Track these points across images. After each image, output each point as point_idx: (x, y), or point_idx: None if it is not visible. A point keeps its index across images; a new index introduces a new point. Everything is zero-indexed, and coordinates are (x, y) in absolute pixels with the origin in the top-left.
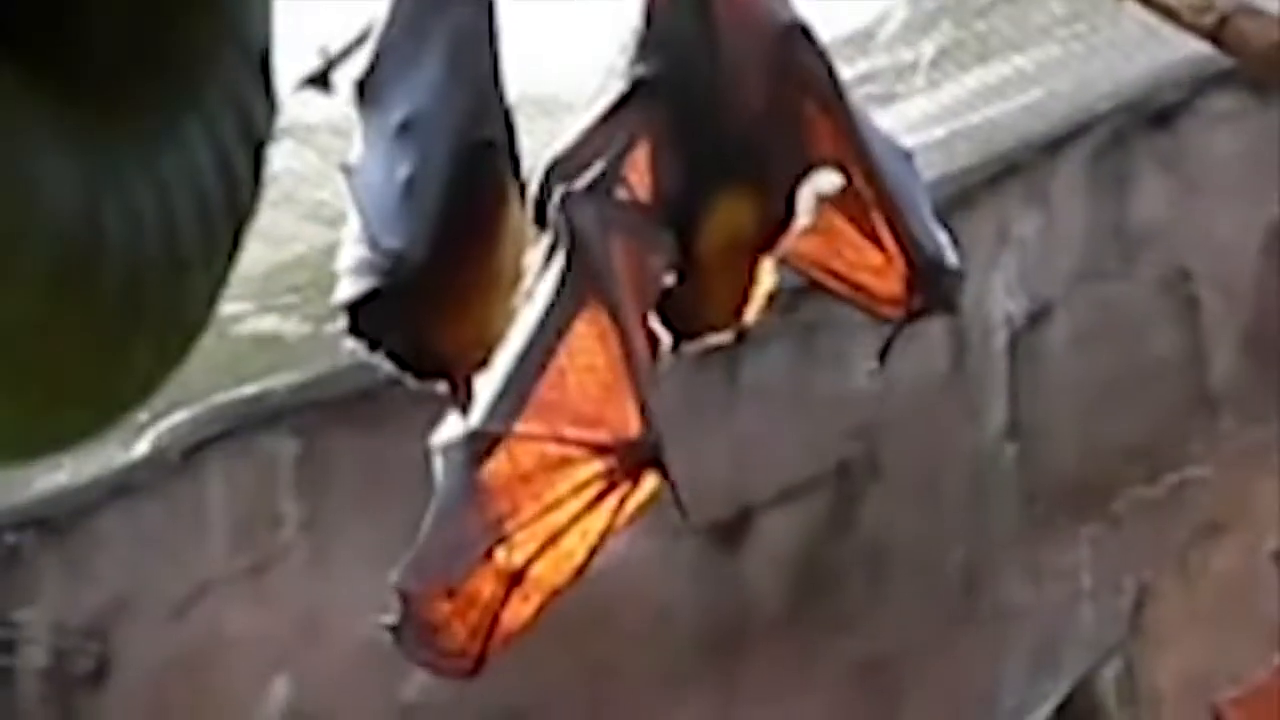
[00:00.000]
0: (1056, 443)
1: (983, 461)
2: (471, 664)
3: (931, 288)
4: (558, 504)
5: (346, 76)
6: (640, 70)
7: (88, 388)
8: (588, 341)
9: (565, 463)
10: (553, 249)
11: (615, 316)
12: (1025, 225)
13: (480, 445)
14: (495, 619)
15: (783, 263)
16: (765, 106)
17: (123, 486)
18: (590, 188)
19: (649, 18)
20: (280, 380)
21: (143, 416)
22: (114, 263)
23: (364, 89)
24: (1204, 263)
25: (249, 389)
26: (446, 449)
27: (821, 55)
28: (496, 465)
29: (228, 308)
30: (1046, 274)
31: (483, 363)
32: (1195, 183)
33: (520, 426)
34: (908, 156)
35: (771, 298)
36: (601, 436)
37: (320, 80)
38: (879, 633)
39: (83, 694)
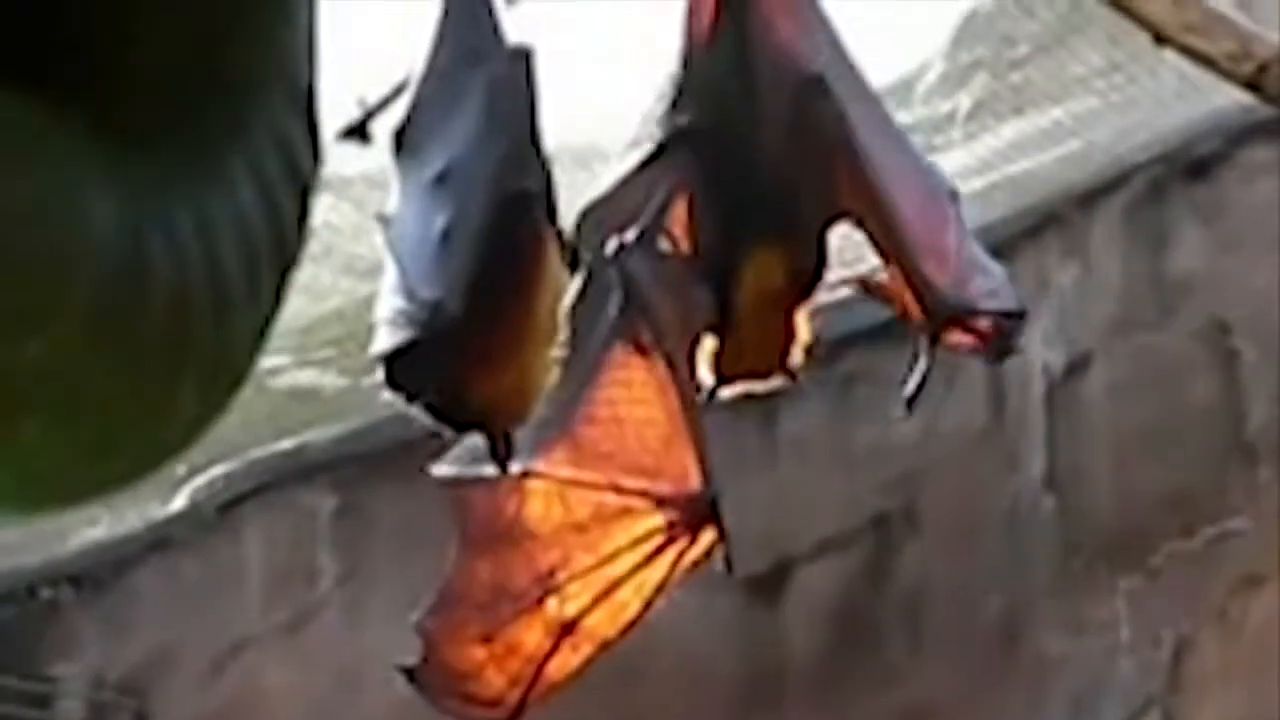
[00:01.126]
0: (1095, 494)
1: (1021, 513)
2: (509, 713)
3: (947, 331)
4: (614, 556)
5: (384, 128)
6: (678, 121)
7: (132, 430)
8: (646, 393)
9: (624, 514)
10: (584, 294)
11: (674, 369)
12: (1063, 276)
13: (509, 486)
14: (540, 669)
15: (871, 294)
16: (792, 157)
17: (160, 541)
18: (639, 240)
19: (686, 66)
20: (318, 434)
21: (180, 471)
22: (159, 302)
23: (401, 140)
24: (1242, 314)
25: (286, 443)
26: (468, 485)
27: (837, 105)
28: (548, 512)
29: (265, 361)
30: (1084, 325)
31: (520, 413)
32: (1233, 234)
33: (577, 474)
34: (953, 196)
35: (809, 350)
36: (662, 488)
37: (359, 131)
38: (918, 685)
39: None
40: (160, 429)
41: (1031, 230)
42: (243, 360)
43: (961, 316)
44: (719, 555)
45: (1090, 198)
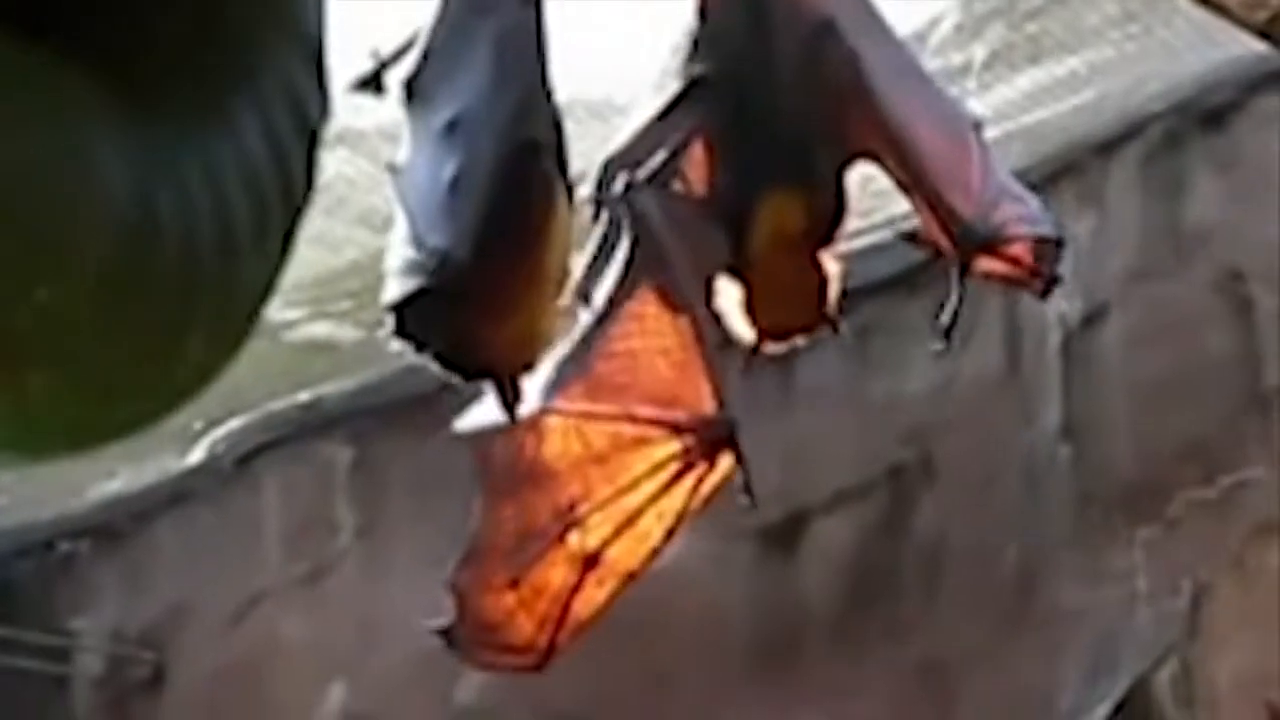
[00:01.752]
0: (1111, 444)
1: (1037, 463)
2: (539, 658)
3: (977, 260)
4: (634, 485)
5: (398, 79)
6: (694, 70)
7: (144, 377)
8: (660, 324)
9: (641, 442)
10: (605, 240)
11: (685, 300)
12: (1079, 226)
13: (526, 428)
14: (566, 607)
15: (908, 242)
16: (806, 101)
17: (178, 494)
18: (650, 179)
19: (703, 15)
20: (334, 387)
21: (197, 424)
22: (169, 251)
23: (412, 89)
24: (1258, 263)
25: (303, 396)
26: (489, 435)
27: (848, 47)
28: (566, 447)
29: (281, 314)
30: (1101, 275)
31: (529, 363)
32: (1248, 183)
33: (593, 407)
34: (977, 127)
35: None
36: (678, 415)
37: (372, 83)
38: (934, 636)
39: (139, 702)
40: (169, 376)
41: (1047, 180)
42: (252, 308)
43: (991, 244)
44: (723, 503)
45: (1105, 148)
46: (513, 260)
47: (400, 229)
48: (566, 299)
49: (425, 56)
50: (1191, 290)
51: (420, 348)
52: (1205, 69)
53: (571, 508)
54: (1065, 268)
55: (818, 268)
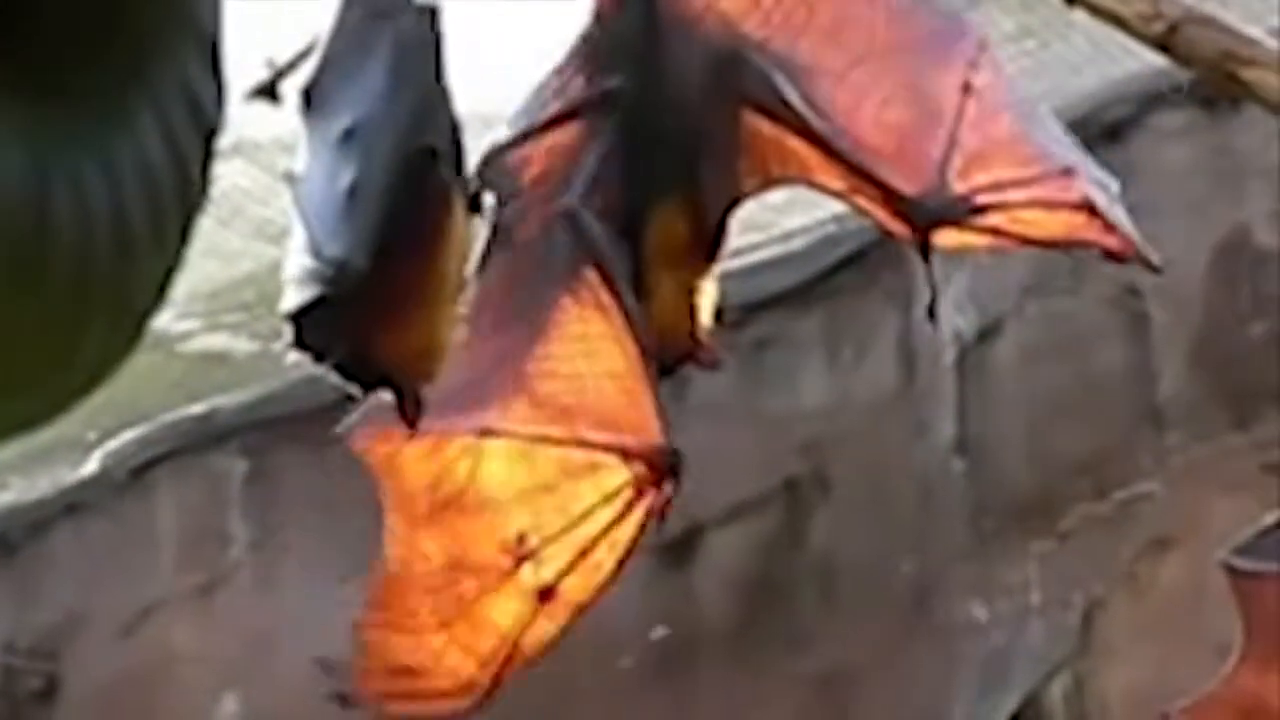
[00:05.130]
0: (1005, 458)
1: (932, 478)
2: (479, 698)
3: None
4: (587, 515)
5: (294, 88)
6: (599, 82)
7: (38, 373)
8: (604, 345)
9: (591, 469)
10: (501, 243)
11: (631, 321)
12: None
13: (460, 450)
14: (516, 644)
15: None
16: (704, 122)
17: (71, 505)
18: (585, 195)
19: (600, 27)
20: (229, 399)
21: (91, 435)
22: (64, 249)
23: (309, 98)
24: (1153, 279)
25: (197, 407)
26: (398, 453)
27: (759, 70)
28: (511, 473)
29: (176, 326)
30: (996, 289)
31: (430, 373)
32: (1144, 199)
33: (544, 429)
34: (965, 87)
35: (720, 314)
36: (626, 441)
37: (268, 91)
38: (829, 649)
39: (31, 712)
40: (66, 372)
41: None
42: (148, 304)
43: (950, 218)
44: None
45: None
46: (411, 268)
47: (298, 238)
48: (462, 307)
49: (323, 65)
50: (1086, 305)
51: (319, 357)
52: (1102, 85)
53: (522, 540)
54: (961, 282)
55: (692, 292)
